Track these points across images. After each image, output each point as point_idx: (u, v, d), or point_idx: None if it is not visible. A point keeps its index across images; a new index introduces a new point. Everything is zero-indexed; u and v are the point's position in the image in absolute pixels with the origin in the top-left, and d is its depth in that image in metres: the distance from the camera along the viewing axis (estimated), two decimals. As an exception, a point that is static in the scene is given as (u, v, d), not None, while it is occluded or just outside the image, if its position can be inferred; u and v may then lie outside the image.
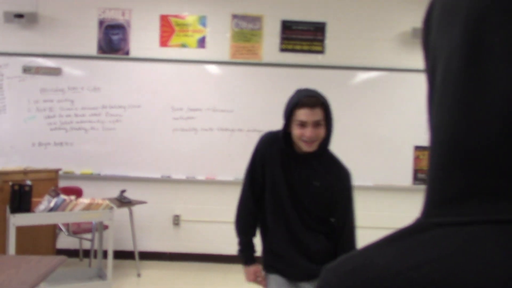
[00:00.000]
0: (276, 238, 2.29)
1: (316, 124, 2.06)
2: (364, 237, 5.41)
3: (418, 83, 5.53)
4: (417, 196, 5.59)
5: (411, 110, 5.53)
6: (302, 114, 2.04)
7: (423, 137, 5.54)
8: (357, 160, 5.52)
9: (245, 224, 2.40)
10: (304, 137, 2.06)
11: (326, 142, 2.17)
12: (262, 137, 2.34)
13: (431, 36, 0.52)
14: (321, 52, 5.54)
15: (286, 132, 2.17)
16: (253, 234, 2.42)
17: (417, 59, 5.53)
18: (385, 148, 5.54)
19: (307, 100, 2.04)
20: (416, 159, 5.55)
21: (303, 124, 2.06)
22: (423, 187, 5.55)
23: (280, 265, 2.30)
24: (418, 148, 5.55)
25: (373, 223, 5.56)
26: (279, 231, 2.27)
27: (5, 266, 2.83)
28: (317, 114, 2.05)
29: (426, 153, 5.56)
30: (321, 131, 2.09)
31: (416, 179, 5.57)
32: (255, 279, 2.40)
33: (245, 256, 2.41)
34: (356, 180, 5.54)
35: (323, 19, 5.53)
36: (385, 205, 5.63)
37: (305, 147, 2.10)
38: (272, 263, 2.34)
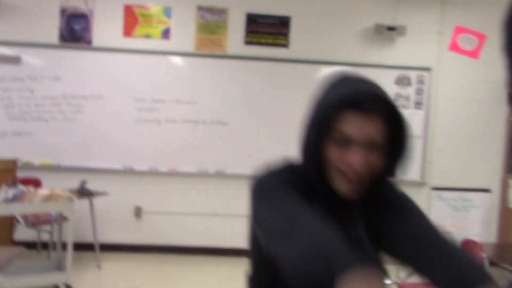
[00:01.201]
0: None
1: (369, 146, 1.09)
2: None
3: (380, 78, 5.61)
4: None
5: (373, 104, 5.63)
6: (348, 124, 1.09)
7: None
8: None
9: None
10: (344, 167, 1.11)
11: (384, 179, 1.17)
12: (278, 171, 1.20)
13: None
14: (285, 45, 5.58)
15: (316, 157, 1.13)
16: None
17: (379, 55, 5.63)
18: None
19: (362, 102, 1.08)
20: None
21: (346, 142, 1.10)
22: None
23: None
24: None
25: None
26: None
27: (-42, 257, 2.77)
28: (374, 127, 1.09)
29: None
30: (375, 160, 1.11)
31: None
32: None
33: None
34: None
35: (288, 13, 5.56)
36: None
37: (344, 189, 1.13)
38: None
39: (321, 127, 1.11)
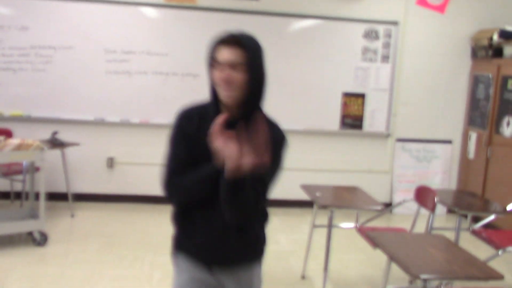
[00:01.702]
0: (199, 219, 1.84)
1: (232, 66, 1.63)
2: (294, 177, 5.68)
3: (348, 32, 5.72)
4: (344, 140, 5.91)
5: (341, 58, 5.75)
6: (219, 53, 1.65)
7: (351, 84, 5.79)
8: (289, 106, 5.74)
9: None
10: (220, 82, 1.65)
11: (252, 100, 1.71)
12: (180, 114, 1.80)
13: None
14: (255, -2, 5.59)
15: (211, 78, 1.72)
16: None
17: (348, 8, 5.70)
18: (316, 94, 5.77)
19: (225, 36, 1.67)
20: (344, 105, 5.82)
21: (219, 66, 1.66)
22: (350, 131, 5.88)
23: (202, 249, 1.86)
24: (346, 95, 5.81)
25: (302, 166, 5.85)
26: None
27: None
28: (235, 54, 1.63)
29: (353, 99, 5.84)
30: (238, 76, 1.64)
31: (343, 124, 5.85)
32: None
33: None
34: (288, 124, 5.75)
35: (258, -36, 5.55)
36: (314, 149, 5.91)
37: (222, 94, 1.66)
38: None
39: (209, 60, 1.71)
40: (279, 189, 6.23)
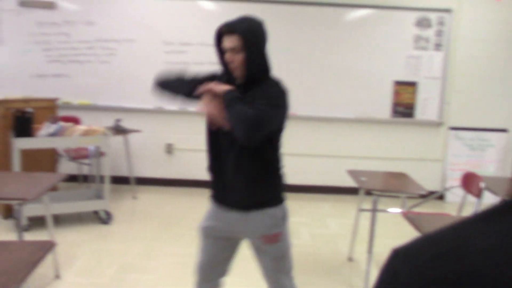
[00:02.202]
0: (215, 167, 2.31)
1: (233, 51, 2.07)
2: (344, 165, 5.80)
3: (402, 21, 5.74)
4: (395, 128, 5.95)
5: (392, 46, 5.78)
6: (223, 42, 2.11)
7: (403, 72, 5.82)
8: (340, 94, 5.85)
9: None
10: (231, 64, 2.10)
11: (252, 68, 2.12)
12: (213, 71, 2.33)
13: None
14: (307, -12, 5.72)
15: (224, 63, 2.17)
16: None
17: (400, -3, 5.72)
18: (367, 82, 5.84)
19: (224, 27, 2.10)
20: (395, 93, 5.86)
21: (225, 51, 2.10)
22: (401, 120, 5.91)
23: (217, 192, 2.39)
24: (397, 83, 5.84)
25: (352, 153, 5.95)
26: (216, 160, 2.29)
27: (12, 180, 3.21)
28: (233, 41, 2.06)
29: (405, 87, 5.87)
30: (238, 57, 2.07)
31: (394, 112, 5.90)
32: None
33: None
34: (339, 112, 5.89)
35: (310, -45, 5.66)
36: (365, 137, 5.99)
37: (234, 73, 2.13)
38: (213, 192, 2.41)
39: (218, 46, 2.17)
40: (330, 175, 6.37)
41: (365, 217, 4.32)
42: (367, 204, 4.21)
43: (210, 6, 5.74)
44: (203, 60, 5.77)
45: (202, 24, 5.73)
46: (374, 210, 3.67)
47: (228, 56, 2.08)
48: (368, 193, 3.66)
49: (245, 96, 2.07)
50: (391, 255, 0.46)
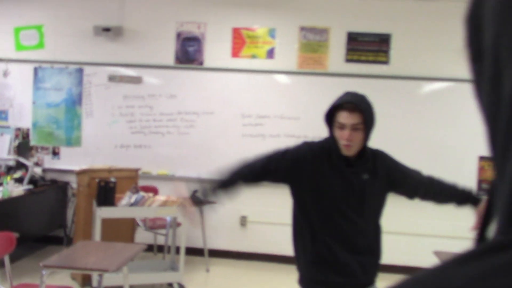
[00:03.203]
0: (329, 246, 2.17)
1: (354, 128, 2.08)
2: (427, 244, 5.49)
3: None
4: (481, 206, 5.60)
5: (476, 120, 5.54)
6: (342, 117, 2.10)
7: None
8: (421, 168, 5.62)
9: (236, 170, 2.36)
10: (342, 140, 2.11)
11: (366, 147, 2.21)
12: (303, 143, 2.32)
13: (484, 32, 0.49)
14: (385, 62, 5.70)
15: (332, 134, 2.20)
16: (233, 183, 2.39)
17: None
18: (450, 157, 5.60)
19: (347, 104, 2.09)
20: (481, 169, 5.57)
21: (342, 127, 2.10)
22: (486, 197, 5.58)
23: (335, 277, 2.18)
24: (482, 159, 5.56)
25: (434, 232, 5.63)
26: (332, 237, 2.17)
27: (95, 250, 3.24)
28: (355, 118, 2.08)
29: (491, 163, 5.56)
30: (359, 135, 2.10)
31: (480, 189, 5.57)
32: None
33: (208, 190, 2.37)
34: (419, 188, 5.62)
35: (388, 30, 5.68)
36: (447, 214, 5.66)
37: (344, 150, 2.14)
38: (323, 276, 2.20)
39: (328, 121, 2.17)
40: (410, 255, 6.02)
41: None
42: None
43: (286, 79, 5.84)
44: (280, 133, 5.79)
45: (279, 97, 5.81)
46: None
47: (346, 133, 2.08)
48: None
49: (358, 168, 2.17)
50: None
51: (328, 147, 2.20)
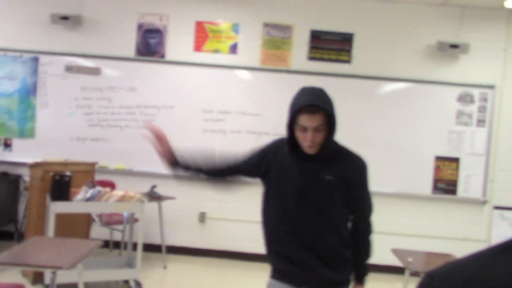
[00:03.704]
0: (283, 241, 2.20)
1: (316, 130, 2.04)
2: (384, 242, 5.59)
3: (441, 95, 5.67)
4: (437, 205, 5.73)
5: (433, 121, 5.68)
6: (303, 120, 2.04)
7: (444, 148, 5.68)
8: (379, 168, 5.70)
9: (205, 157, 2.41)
10: (305, 142, 2.08)
11: (329, 142, 2.14)
12: (276, 140, 2.35)
13: None
14: (348, 61, 5.74)
15: (292, 134, 2.15)
16: (199, 163, 2.44)
17: (441, 72, 5.67)
18: (407, 157, 5.70)
19: (308, 108, 2.02)
20: (437, 169, 5.69)
21: (304, 129, 2.06)
22: (443, 196, 5.70)
23: (290, 269, 2.18)
24: (439, 159, 5.69)
25: (392, 230, 5.72)
26: (286, 232, 2.17)
27: (48, 246, 3.12)
28: (317, 120, 2.04)
29: (447, 163, 5.69)
30: (321, 136, 2.08)
31: (435, 188, 5.70)
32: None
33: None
34: (378, 187, 5.72)
35: (351, 30, 5.73)
36: (404, 212, 5.77)
37: (307, 150, 2.11)
38: (281, 267, 2.21)
39: (291, 123, 2.09)
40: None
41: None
42: (410, 286, 3.95)
43: (249, 75, 5.80)
44: (241, 129, 5.75)
45: (241, 93, 5.77)
46: (422, 295, 3.42)
47: (308, 135, 2.05)
48: (412, 274, 3.44)
49: (322, 161, 2.14)
50: (427, 278, 0.50)
51: (291, 143, 2.18)
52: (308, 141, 2.06)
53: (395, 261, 3.70)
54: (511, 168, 5.73)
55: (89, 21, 5.83)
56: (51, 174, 4.28)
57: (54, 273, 2.95)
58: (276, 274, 2.23)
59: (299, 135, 2.08)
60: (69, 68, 5.81)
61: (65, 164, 4.68)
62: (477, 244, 5.75)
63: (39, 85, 5.82)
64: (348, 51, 5.74)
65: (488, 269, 0.46)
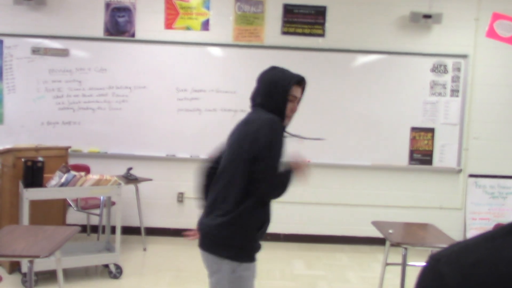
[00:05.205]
0: (268, 215, 2.37)
1: (296, 101, 2.36)
2: (362, 214, 5.63)
3: (416, 66, 5.68)
4: (413, 176, 5.79)
5: (408, 92, 5.70)
6: (296, 91, 2.31)
7: (420, 119, 5.71)
8: (356, 141, 5.72)
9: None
10: (293, 112, 2.35)
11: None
12: (276, 128, 2.25)
13: None
14: (321, 35, 5.68)
15: (283, 108, 2.30)
16: None
17: (415, 43, 5.67)
18: (383, 129, 5.72)
19: (302, 79, 2.36)
20: (413, 140, 5.73)
21: (293, 100, 2.32)
22: (419, 167, 5.75)
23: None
24: (414, 129, 5.72)
25: (370, 202, 5.77)
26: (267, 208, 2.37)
27: (24, 234, 3.03)
28: (301, 92, 2.39)
29: (422, 134, 5.74)
30: (296, 107, 2.40)
31: (412, 159, 5.75)
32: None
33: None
34: (355, 160, 5.75)
35: (324, 2, 5.66)
36: (382, 184, 5.82)
37: (287, 122, 2.35)
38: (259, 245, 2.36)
39: (286, 94, 2.25)
40: (347, 225, 6.17)
41: (389, 271, 4.10)
42: (390, 257, 4.00)
43: (222, 52, 5.70)
44: (216, 107, 5.68)
45: (215, 70, 5.68)
46: (404, 264, 3.47)
47: (296, 105, 2.33)
48: (393, 244, 3.47)
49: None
50: (433, 260, 0.50)
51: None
52: (295, 110, 2.33)
53: (375, 233, 3.72)
54: (484, 136, 5.81)
55: (54, 0, 5.62)
56: (23, 160, 4.15)
57: (31, 262, 2.88)
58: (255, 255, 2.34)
59: (290, 105, 2.29)
60: (36, 50, 5.62)
61: (37, 149, 4.55)
62: (454, 212, 5.85)
63: (5, 69, 5.62)
64: (322, 24, 5.68)
65: (498, 252, 0.43)
